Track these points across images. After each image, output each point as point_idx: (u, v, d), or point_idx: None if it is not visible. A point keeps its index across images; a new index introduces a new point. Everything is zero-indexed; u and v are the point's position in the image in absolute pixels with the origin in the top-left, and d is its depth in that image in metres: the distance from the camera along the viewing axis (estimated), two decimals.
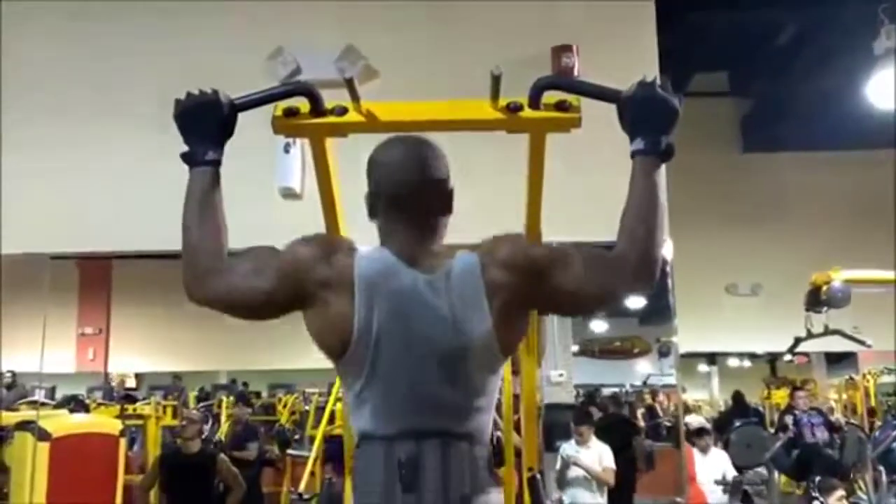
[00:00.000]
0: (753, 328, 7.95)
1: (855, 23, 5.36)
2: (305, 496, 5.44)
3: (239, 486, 5.34)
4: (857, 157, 7.61)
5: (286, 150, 3.93)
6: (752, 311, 7.82)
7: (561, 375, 5.96)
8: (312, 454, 5.62)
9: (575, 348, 7.28)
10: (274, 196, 4.00)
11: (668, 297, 5.31)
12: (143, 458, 6.77)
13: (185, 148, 1.61)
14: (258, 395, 10.12)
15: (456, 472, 1.44)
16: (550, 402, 5.76)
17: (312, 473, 5.60)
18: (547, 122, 1.76)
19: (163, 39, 4.33)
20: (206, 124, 1.60)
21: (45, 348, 5.20)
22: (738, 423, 7.81)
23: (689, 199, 6.26)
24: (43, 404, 6.01)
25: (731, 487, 6.32)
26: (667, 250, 4.63)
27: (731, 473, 6.52)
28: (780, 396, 9.68)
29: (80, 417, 5.75)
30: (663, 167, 1.54)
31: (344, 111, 1.77)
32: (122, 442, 5.28)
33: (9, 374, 7.40)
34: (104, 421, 5.69)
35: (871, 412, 9.82)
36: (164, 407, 7.30)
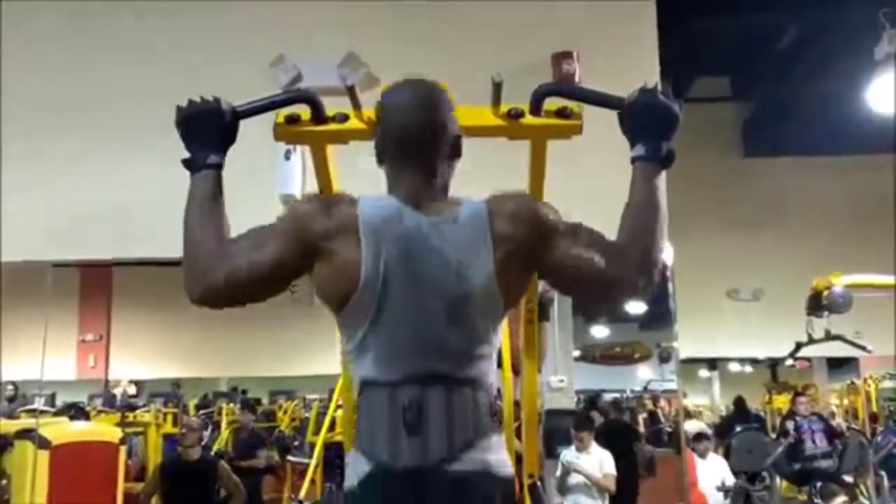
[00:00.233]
0: (754, 333, 7.94)
1: (856, 27, 5.36)
2: (306, 503, 5.41)
3: (240, 493, 5.33)
4: (857, 161, 7.62)
5: (287, 156, 3.92)
6: (753, 316, 7.81)
7: (562, 381, 5.95)
8: (313, 461, 5.60)
9: (576, 353, 7.29)
10: (275, 203, 3.99)
11: (669, 302, 5.30)
12: (143, 464, 6.77)
13: (187, 154, 1.60)
14: (259, 401, 10.13)
15: (460, 417, 1.43)
16: (551, 408, 5.75)
17: (313, 481, 5.58)
18: (548, 129, 1.76)
19: (163, 47, 4.34)
20: (207, 131, 1.59)
21: (46, 355, 5.19)
22: (739, 429, 7.81)
23: (691, 203, 6.27)
24: (43, 412, 6.00)
25: (733, 493, 6.30)
26: (667, 255, 4.62)
27: (730, 479, 6.52)
28: (782, 401, 9.68)
29: (80, 425, 5.74)
30: (664, 173, 1.54)
31: (345, 118, 1.77)
32: (122, 450, 5.28)
33: (11, 388, 7.41)
34: (104, 429, 5.69)
35: (873, 417, 9.82)
36: (165, 414, 7.28)
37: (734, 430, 8.00)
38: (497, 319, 1.51)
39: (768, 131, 7.84)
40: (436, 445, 1.41)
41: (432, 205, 1.49)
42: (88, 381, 8.54)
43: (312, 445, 6.13)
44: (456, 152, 1.58)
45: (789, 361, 7.79)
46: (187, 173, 1.60)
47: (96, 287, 8.30)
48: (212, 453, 6.14)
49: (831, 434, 6.96)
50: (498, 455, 1.47)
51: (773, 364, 10.55)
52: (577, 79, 3.86)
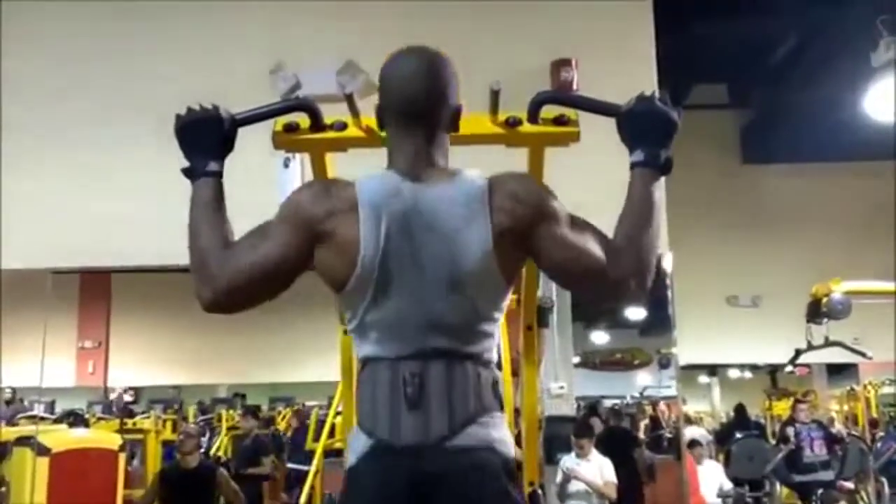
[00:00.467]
0: (754, 339, 7.95)
1: (853, 35, 5.38)
2: None
3: (239, 500, 5.32)
4: (856, 167, 7.63)
5: (286, 164, 3.92)
6: (752, 322, 7.82)
7: (562, 388, 5.94)
8: (312, 468, 5.59)
9: (576, 360, 7.27)
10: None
11: (669, 308, 5.30)
12: (143, 472, 6.75)
13: (186, 163, 1.60)
14: (258, 408, 10.11)
15: (461, 390, 1.43)
16: (551, 415, 5.75)
17: (312, 488, 5.56)
18: (546, 137, 1.77)
19: (162, 55, 4.35)
20: (206, 140, 1.59)
21: (45, 362, 5.19)
22: (739, 436, 7.81)
23: (689, 210, 6.27)
24: (42, 419, 5.99)
25: (733, 500, 6.31)
26: (667, 261, 4.63)
27: (727, 484, 6.52)
28: (781, 408, 9.67)
29: (79, 432, 5.74)
30: (662, 180, 1.54)
31: (344, 126, 1.77)
32: (122, 457, 5.27)
33: (9, 391, 7.40)
34: (103, 436, 5.68)
35: (874, 423, 9.81)
36: (164, 421, 7.27)
37: (734, 436, 8.00)
38: (498, 297, 1.50)
39: (766, 138, 7.85)
40: (437, 420, 1.40)
41: (431, 176, 1.49)
42: (87, 388, 8.52)
43: (312, 452, 6.12)
44: (455, 124, 1.58)
45: (789, 368, 7.78)
46: (187, 181, 1.60)
47: (95, 294, 8.29)
48: (210, 460, 6.12)
49: (831, 441, 6.95)
50: (500, 432, 1.46)
51: (773, 370, 10.54)
52: (575, 86, 3.88)
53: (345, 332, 1.55)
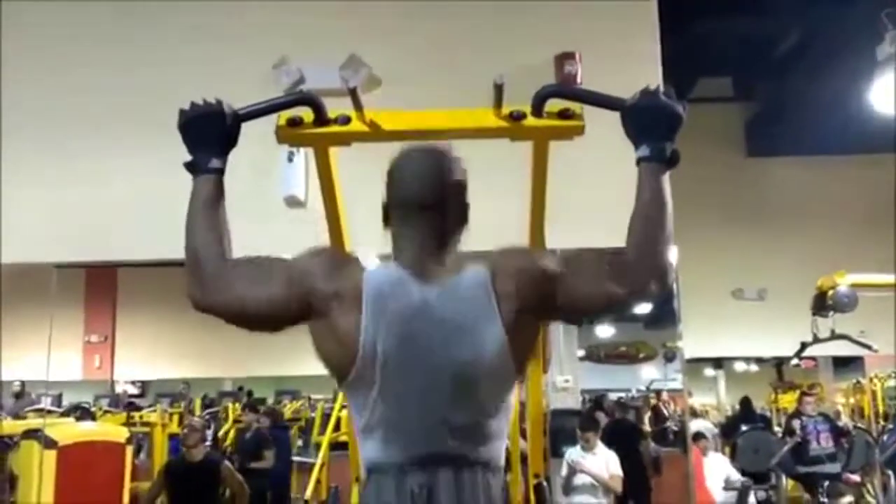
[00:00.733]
0: (759, 332, 7.93)
1: (858, 28, 5.35)
2: None
3: (244, 493, 5.33)
4: (861, 160, 7.60)
5: (290, 158, 3.93)
6: (758, 315, 7.80)
7: (567, 381, 5.96)
8: (318, 461, 5.61)
9: (581, 353, 7.28)
10: (278, 204, 4.01)
11: (674, 301, 5.30)
12: (150, 465, 6.77)
13: (189, 157, 1.61)
14: (263, 401, 10.11)
15: (471, 503, 1.41)
16: (556, 408, 5.76)
17: (318, 481, 5.58)
18: (550, 131, 1.77)
19: (166, 49, 4.35)
20: (209, 134, 1.60)
21: (52, 356, 5.21)
22: (745, 429, 7.80)
23: (694, 203, 6.27)
24: (49, 412, 6.02)
25: (739, 492, 6.31)
26: (672, 255, 4.63)
27: (734, 476, 6.52)
28: (787, 401, 9.66)
29: (86, 425, 5.75)
30: (668, 173, 1.54)
31: (347, 120, 1.77)
32: (129, 450, 5.29)
33: (17, 384, 7.43)
34: (110, 429, 5.70)
35: (885, 416, 9.77)
36: (171, 414, 7.29)
37: (740, 429, 8.00)
38: (508, 390, 1.49)
39: (771, 131, 7.82)
40: None
41: (437, 274, 1.46)
42: (94, 382, 8.55)
43: (318, 446, 6.14)
44: (463, 220, 1.56)
45: (795, 361, 7.77)
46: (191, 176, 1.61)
47: (101, 288, 8.30)
48: (216, 454, 6.14)
49: (837, 434, 6.95)
50: None
51: (779, 363, 10.51)
52: (579, 80, 3.87)
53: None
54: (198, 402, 9.24)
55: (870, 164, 7.49)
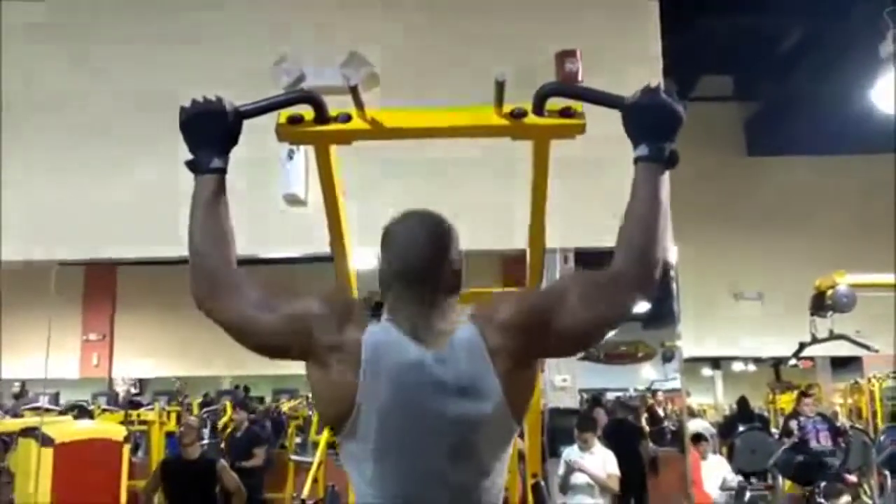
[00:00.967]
0: (758, 332, 7.93)
1: (860, 27, 5.35)
2: (309, 502, 5.41)
3: (240, 492, 5.34)
4: (862, 160, 7.60)
5: (290, 156, 3.92)
6: (756, 315, 7.81)
7: (565, 380, 5.96)
8: (316, 460, 5.60)
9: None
10: (278, 202, 4.00)
11: (673, 301, 5.30)
12: (148, 463, 6.77)
13: (190, 155, 1.60)
14: (262, 400, 10.11)
15: None
16: (555, 407, 5.75)
17: (315, 480, 5.57)
18: (551, 129, 1.76)
19: (166, 47, 4.34)
20: (211, 132, 1.59)
21: (50, 354, 5.20)
22: (742, 429, 7.80)
23: (694, 202, 6.27)
24: (47, 410, 6.01)
25: (736, 492, 6.31)
26: (671, 255, 4.62)
27: (730, 476, 6.52)
28: (785, 401, 9.66)
29: (84, 423, 5.76)
30: (667, 173, 1.53)
31: (348, 118, 1.76)
32: (126, 448, 5.29)
33: (17, 384, 7.43)
34: (108, 427, 5.70)
35: (886, 417, 9.77)
36: (168, 413, 7.28)
37: (737, 429, 7.99)
38: (507, 444, 1.50)
39: (772, 130, 7.82)
40: None
41: (432, 337, 1.47)
42: (92, 380, 8.54)
43: (315, 444, 6.13)
44: (456, 288, 1.57)
45: (793, 361, 7.77)
46: (191, 174, 1.60)
47: (100, 287, 8.30)
48: (214, 452, 6.14)
49: (836, 434, 6.95)
50: None
51: (777, 363, 10.52)
52: (580, 77, 3.86)
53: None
54: (195, 402, 9.24)
55: (871, 163, 7.47)
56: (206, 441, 6.79)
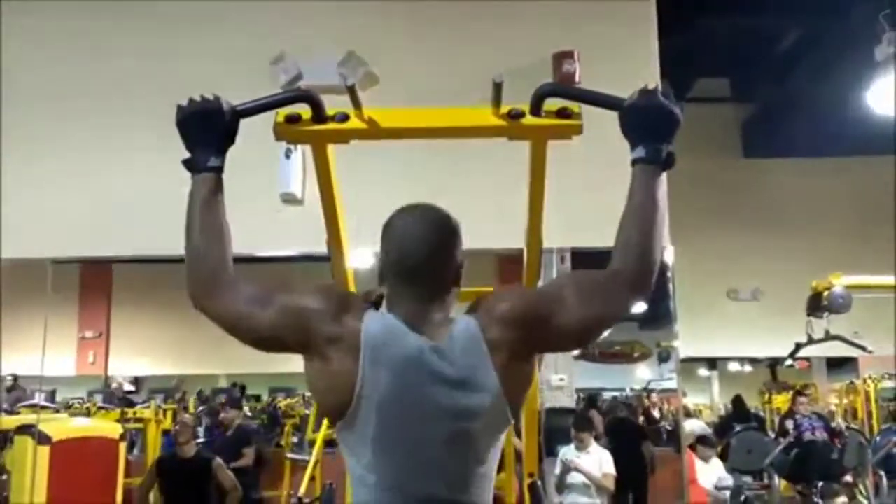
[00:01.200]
0: (754, 333, 7.95)
1: (856, 29, 5.37)
2: (306, 501, 5.41)
3: (236, 490, 5.34)
4: (857, 162, 7.63)
5: (287, 155, 3.93)
6: (752, 315, 7.82)
7: (561, 380, 5.95)
8: (313, 458, 5.60)
9: (576, 352, 7.27)
10: (275, 201, 4.00)
11: (669, 301, 5.31)
12: (144, 461, 6.77)
13: (187, 154, 1.60)
14: (258, 398, 10.11)
15: None
16: (551, 406, 5.76)
17: (313, 478, 5.58)
18: (548, 130, 1.76)
19: (164, 46, 4.34)
20: (207, 131, 1.59)
21: (46, 351, 5.20)
22: (738, 429, 7.81)
23: (690, 203, 6.27)
24: (43, 408, 6.01)
25: (731, 492, 6.32)
26: (668, 255, 4.63)
27: (725, 477, 6.53)
28: (781, 401, 9.68)
29: (80, 421, 5.76)
30: (664, 174, 1.54)
31: (345, 118, 1.76)
32: (122, 446, 5.28)
33: (10, 378, 7.41)
34: (104, 425, 5.71)
35: (881, 417, 9.79)
36: (164, 411, 7.28)
37: (733, 429, 8.01)
38: (502, 434, 1.52)
39: (768, 132, 7.84)
40: None
41: (431, 329, 1.48)
42: (88, 378, 8.54)
43: (312, 443, 6.12)
44: (456, 282, 1.58)
45: (789, 361, 7.79)
46: (187, 172, 1.60)
47: (96, 284, 8.30)
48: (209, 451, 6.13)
49: (831, 433, 6.96)
50: None
51: (773, 364, 10.54)
52: (577, 78, 3.87)
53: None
54: (191, 400, 9.24)
55: (866, 165, 7.51)
56: (201, 439, 6.77)
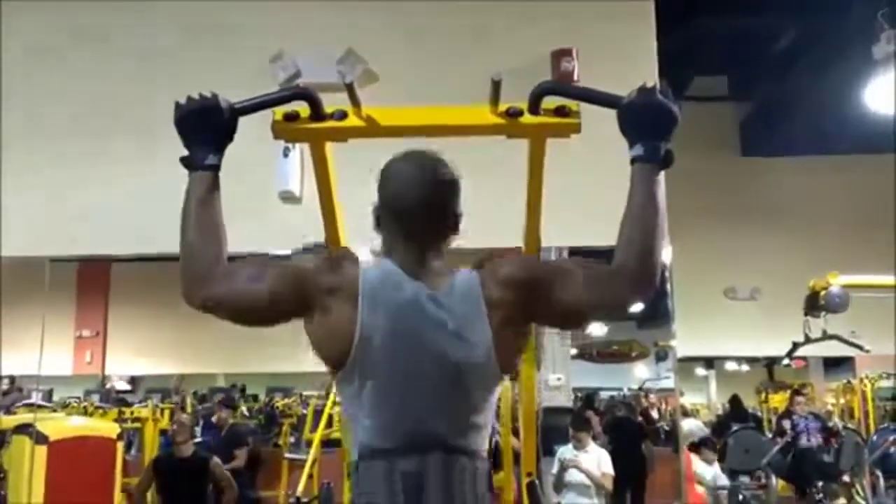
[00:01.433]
0: (751, 332, 7.95)
1: (854, 28, 5.37)
2: (304, 500, 5.42)
3: (232, 490, 5.34)
4: (856, 161, 7.62)
5: (285, 153, 3.91)
6: (750, 315, 7.82)
7: (559, 379, 5.97)
8: (310, 457, 5.61)
9: (573, 352, 7.28)
10: (273, 199, 3.99)
11: (667, 300, 5.30)
12: (141, 461, 6.76)
13: (185, 152, 1.60)
14: (255, 397, 10.12)
15: (458, 489, 1.45)
16: (549, 406, 5.76)
17: (310, 477, 5.58)
18: (546, 128, 1.76)
19: (162, 45, 4.33)
20: (206, 129, 1.59)
21: (44, 351, 5.19)
22: (735, 428, 7.82)
23: (688, 202, 6.25)
24: (41, 407, 6.00)
25: (728, 493, 6.33)
26: (665, 254, 4.63)
27: (721, 477, 6.54)
28: (778, 400, 9.69)
29: (77, 421, 5.74)
30: (662, 173, 1.54)
31: (344, 116, 1.76)
32: (120, 445, 5.28)
33: (7, 380, 7.41)
34: (101, 424, 5.69)
35: (878, 417, 9.80)
36: (162, 410, 7.27)
37: (730, 428, 8.02)
38: (493, 389, 1.53)
39: (766, 130, 7.84)
40: None
41: (428, 277, 1.50)
42: (85, 377, 8.54)
43: (310, 442, 6.13)
44: (454, 230, 1.58)
45: (786, 361, 7.80)
46: (185, 171, 1.60)
47: (94, 283, 8.30)
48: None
49: (828, 433, 6.97)
50: None
51: (770, 363, 10.55)
52: (575, 76, 3.86)
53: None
54: (189, 399, 9.23)
55: (865, 164, 7.51)
56: (199, 438, 6.76)
